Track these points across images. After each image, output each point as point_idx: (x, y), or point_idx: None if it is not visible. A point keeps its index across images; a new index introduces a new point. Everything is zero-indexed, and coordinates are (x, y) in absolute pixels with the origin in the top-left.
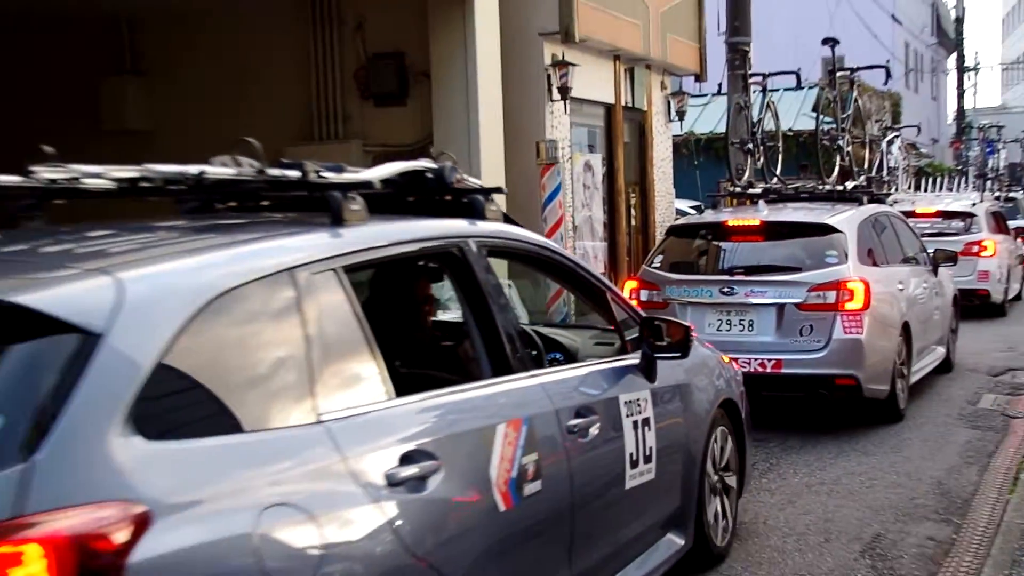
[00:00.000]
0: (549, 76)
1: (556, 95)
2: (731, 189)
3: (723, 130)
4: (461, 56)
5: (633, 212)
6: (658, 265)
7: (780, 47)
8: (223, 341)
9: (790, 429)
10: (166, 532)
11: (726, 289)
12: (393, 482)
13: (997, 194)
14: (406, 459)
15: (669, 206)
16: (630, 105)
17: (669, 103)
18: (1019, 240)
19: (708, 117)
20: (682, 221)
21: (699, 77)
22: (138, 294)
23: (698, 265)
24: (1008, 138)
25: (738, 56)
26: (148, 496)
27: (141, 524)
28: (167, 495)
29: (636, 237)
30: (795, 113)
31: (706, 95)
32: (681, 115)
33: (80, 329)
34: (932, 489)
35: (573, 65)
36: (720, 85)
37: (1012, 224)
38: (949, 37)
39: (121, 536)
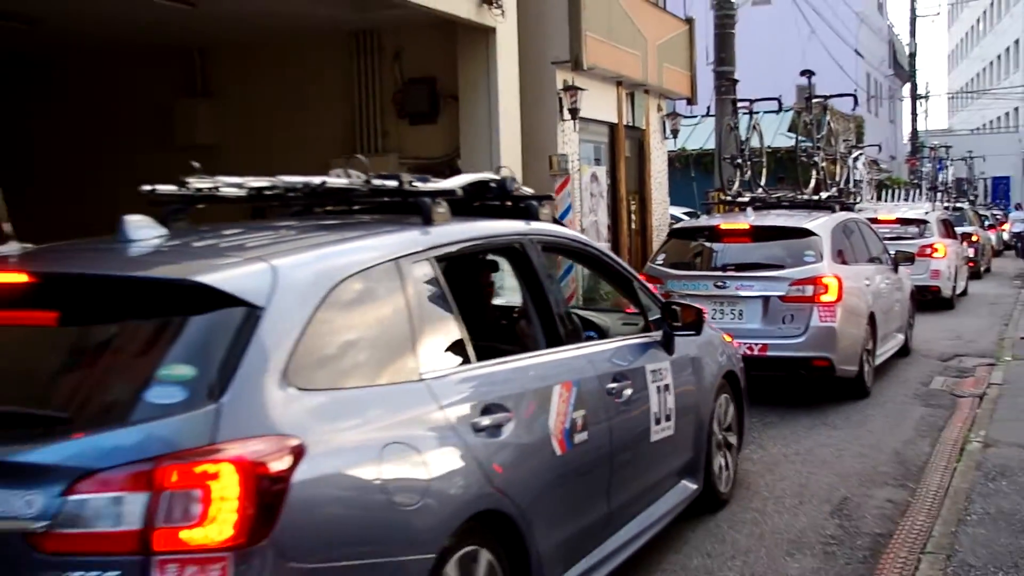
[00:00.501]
0: (561, 99)
1: (567, 115)
2: (723, 198)
3: (711, 147)
4: (485, 81)
5: (633, 217)
6: (661, 262)
7: (759, 76)
8: (349, 314)
9: (769, 407)
10: (315, 461)
11: (719, 283)
12: (477, 428)
13: (947, 204)
14: (486, 410)
15: (664, 212)
16: (631, 124)
17: (664, 123)
18: (965, 244)
19: (698, 135)
20: (681, 225)
21: (690, 100)
22: (288, 277)
23: (695, 263)
24: (955, 156)
25: (725, 83)
26: (303, 432)
27: (298, 454)
28: (315, 433)
29: (636, 239)
30: (774, 132)
31: (696, 116)
32: (675, 133)
33: (248, 304)
34: (891, 458)
35: (581, 90)
36: (708, 107)
37: (960, 230)
38: (904, 69)
39: (285, 461)
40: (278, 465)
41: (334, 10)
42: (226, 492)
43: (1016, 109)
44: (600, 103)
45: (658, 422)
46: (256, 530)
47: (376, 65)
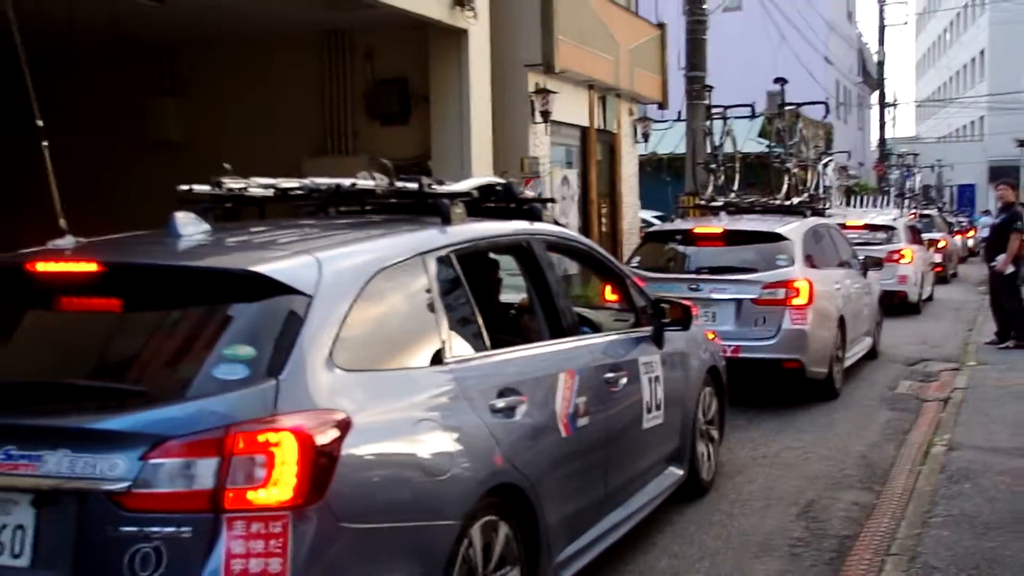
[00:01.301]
0: (532, 102)
1: (538, 118)
2: (697, 202)
3: (683, 151)
4: (456, 83)
5: (604, 220)
6: (636, 265)
7: (730, 81)
8: (383, 304)
9: (738, 410)
10: (359, 433)
11: (693, 286)
12: (494, 409)
13: (916, 211)
14: (501, 393)
15: (635, 216)
16: (602, 128)
17: (636, 127)
18: (932, 250)
19: (669, 139)
20: (656, 228)
21: (662, 105)
22: (331, 269)
23: (670, 265)
24: (922, 164)
25: (697, 88)
26: (348, 408)
27: (345, 427)
28: (358, 408)
29: (606, 242)
30: (744, 138)
31: (667, 121)
32: (646, 137)
33: (299, 292)
34: (857, 462)
35: (553, 93)
36: (680, 112)
37: (927, 236)
38: (873, 77)
39: (336, 433)
40: (330, 436)
41: (305, 9)
42: (286, 458)
43: (981, 118)
44: (572, 106)
45: (649, 411)
46: (312, 492)
47: (347, 65)
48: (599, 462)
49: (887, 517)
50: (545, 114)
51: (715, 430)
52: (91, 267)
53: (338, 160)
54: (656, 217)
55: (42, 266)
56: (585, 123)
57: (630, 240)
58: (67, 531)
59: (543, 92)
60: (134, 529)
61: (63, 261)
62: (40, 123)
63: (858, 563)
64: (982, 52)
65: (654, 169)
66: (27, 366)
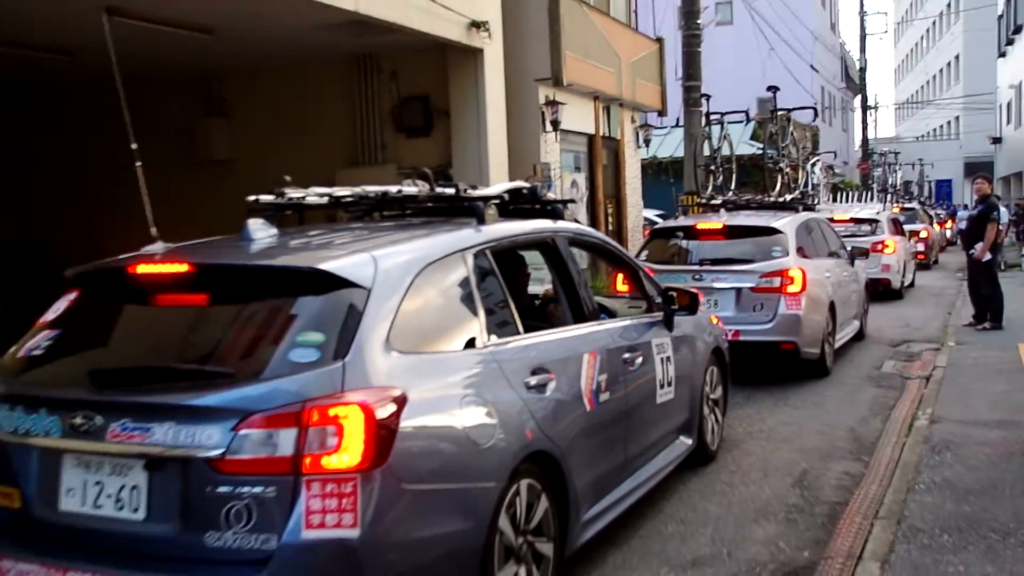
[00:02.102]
0: (543, 112)
1: (549, 127)
2: (698, 201)
3: (681, 154)
4: (474, 97)
5: (610, 219)
6: (644, 258)
7: (723, 89)
8: (430, 295)
9: (735, 389)
10: (414, 407)
11: (696, 276)
12: (528, 386)
13: (900, 204)
14: (534, 372)
15: (639, 215)
16: (607, 135)
17: (637, 133)
18: (914, 240)
19: (668, 144)
20: (662, 225)
21: (661, 113)
22: (385, 265)
23: (675, 258)
24: (903, 162)
25: (693, 97)
26: (403, 385)
27: (402, 401)
28: (412, 386)
29: (612, 239)
30: (737, 141)
31: (666, 127)
32: (647, 142)
33: (359, 286)
34: (847, 435)
35: (562, 104)
36: (678, 119)
37: (911, 227)
38: (855, 83)
39: (395, 406)
40: (389, 409)
41: (336, 36)
42: (354, 429)
43: (957, 118)
44: (579, 116)
45: (662, 387)
46: (376, 458)
47: (375, 85)
48: (619, 432)
49: (875, 485)
50: (555, 124)
51: (720, 404)
52: (183, 268)
53: (368, 170)
54: (658, 216)
55: (142, 268)
56: (591, 131)
57: (634, 237)
58: (173, 491)
59: (552, 104)
60: (228, 489)
61: (159, 263)
62: (134, 146)
63: (849, 526)
64: (957, 57)
65: (655, 172)
66: (133, 353)
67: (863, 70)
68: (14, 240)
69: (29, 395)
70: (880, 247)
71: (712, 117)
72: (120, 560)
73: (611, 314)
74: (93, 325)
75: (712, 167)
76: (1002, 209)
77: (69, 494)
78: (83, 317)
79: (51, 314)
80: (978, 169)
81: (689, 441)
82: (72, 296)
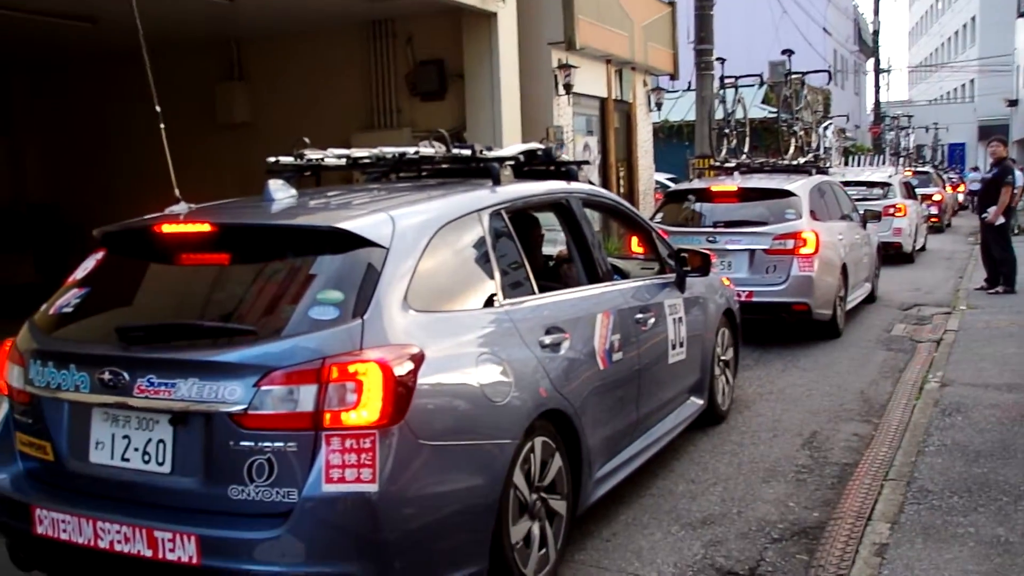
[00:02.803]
0: (556, 76)
1: (561, 91)
2: (712, 164)
3: (692, 118)
4: (487, 61)
5: (622, 183)
6: (659, 221)
7: (736, 52)
8: (447, 254)
9: (745, 351)
10: (431, 364)
11: (711, 238)
12: (543, 345)
13: (912, 168)
14: (548, 331)
15: (650, 178)
16: (619, 98)
17: (649, 97)
18: (927, 203)
19: (680, 108)
20: (676, 188)
21: (673, 76)
22: (403, 224)
23: (689, 220)
24: (917, 125)
25: (705, 60)
26: (420, 344)
27: (419, 359)
28: (429, 343)
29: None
30: (749, 105)
31: (678, 91)
32: (659, 106)
33: (378, 245)
34: (856, 397)
35: (574, 67)
36: (690, 83)
37: (924, 191)
38: (868, 46)
39: (412, 364)
40: (407, 367)
41: (354, 2)
42: (372, 385)
43: (972, 81)
44: (591, 79)
45: (674, 347)
46: (394, 414)
47: (390, 49)
48: (631, 392)
49: (885, 447)
50: (567, 87)
51: (730, 365)
52: (205, 228)
53: (384, 134)
54: (669, 179)
55: (167, 228)
56: (604, 94)
57: (646, 200)
58: (197, 445)
59: (565, 67)
60: (250, 444)
61: (183, 223)
62: (158, 108)
63: (858, 487)
64: (973, 18)
65: (667, 135)
66: (159, 310)
67: (876, 33)
68: (44, 204)
69: (60, 351)
70: (892, 211)
71: (726, 81)
72: (147, 511)
73: (624, 275)
74: (119, 283)
75: (726, 130)
76: (1017, 172)
77: (98, 447)
78: (110, 276)
79: (79, 273)
80: (993, 132)
81: (700, 401)
82: (99, 255)
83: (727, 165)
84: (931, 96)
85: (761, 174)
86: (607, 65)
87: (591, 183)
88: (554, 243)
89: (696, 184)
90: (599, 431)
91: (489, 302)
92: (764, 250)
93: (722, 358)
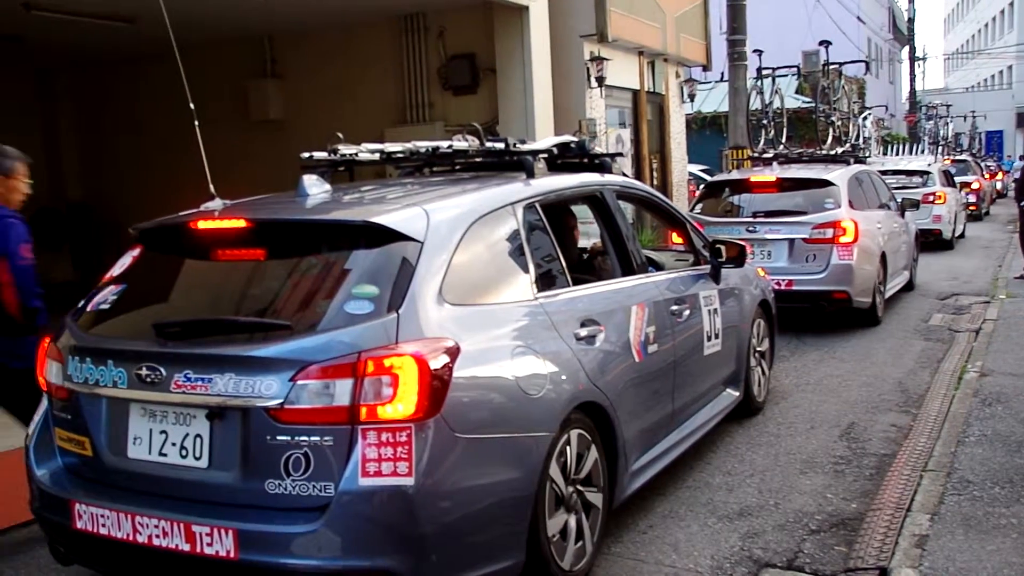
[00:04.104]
0: (588, 68)
1: (594, 83)
2: (750, 155)
3: (725, 109)
4: (519, 55)
5: (655, 175)
6: (699, 211)
7: (768, 43)
8: (481, 247)
9: (781, 343)
10: (467, 358)
11: (750, 228)
12: (578, 337)
13: (951, 157)
14: (583, 324)
15: (683, 170)
16: (651, 90)
17: (682, 88)
18: (965, 191)
19: (713, 99)
20: (715, 178)
21: (706, 67)
22: (437, 218)
23: (729, 210)
24: (955, 114)
25: (738, 51)
26: (455, 337)
27: (455, 352)
28: (465, 337)
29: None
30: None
31: (711, 82)
32: (691, 98)
33: (412, 239)
34: (894, 387)
35: (607, 60)
36: (722, 74)
37: (963, 179)
38: (903, 34)
39: (448, 357)
40: (442, 360)
41: None
42: (408, 379)
43: (1010, 67)
44: (623, 72)
45: (709, 339)
46: (430, 407)
47: (422, 44)
48: (667, 384)
49: (923, 437)
50: (600, 79)
51: (766, 356)
52: (240, 223)
53: (416, 128)
54: (702, 171)
55: (202, 224)
56: (636, 86)
57: (679, 191)
58: (234, 439)
59: (597, 60)
60: (287, 438)
61: (218, 219)
62: (192, 106)
63: (897, 478)
64: (1011, 4)
65: (700, 126)
66: (195, 306)
67: (911, 20)
68: (82, 202)
69: (97, 347)
70: (932, 198)
71: (764, 72)
72: (184, 506)
73: (659, 267)
74: (156, 280)
75: (764, 121)
76: None
77: (136, 442)
78: (146, 272)
79: (116, 270)
80: None
81: (736, 393)
82: (135, 252)
83: (765, 156)
84: (968, 83)
85: (799, 164)
86: (639, 57)
87: (624, 175)
88: (588, 236)
89: (735, 175)
90: (635, 423)
91: (524, 295)
92: (804, 239)
93: (758, 349)
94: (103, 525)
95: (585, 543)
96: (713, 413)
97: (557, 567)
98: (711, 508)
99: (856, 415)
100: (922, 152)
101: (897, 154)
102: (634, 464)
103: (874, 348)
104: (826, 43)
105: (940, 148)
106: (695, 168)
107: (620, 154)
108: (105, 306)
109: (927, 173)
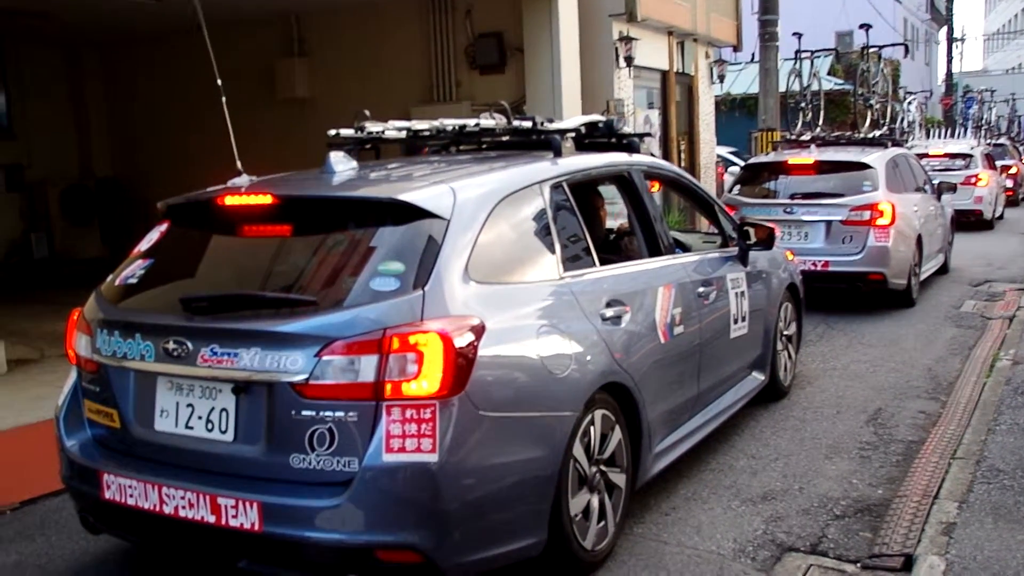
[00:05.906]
0: (617, 48)
1: (622, 63)
2: (787, 137)
3: (755, 91)
4: (547, 34)
5: (683, 156)
6: (737, 192)
7: (800, 23)
8: (508, 226)
9: (807, 327)
10: (492, 336)
11: (788, 210)
12: (604, 318)
13: (993, 141)
14: (609, 304)
15: (712, 152)
16: (680, 71)
17: (712, 69)
18: (1003, 174)
19: (743, 80)
20: (754, 160)
21: (736, 48)
22: (464, 196)
23: (766, 192)
24: (998, 98)
25: (769, 31)
26: (481, 315)
27: (480, 330)
28: (490, 315)
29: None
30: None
31: (741, 63)
32: (721, 79)
33: (438, 216)
34: (924, 374)
35: (635, 40)
36: (753, 55)
37: (1001, 162)
38: (941, 14)
39: (473, 335)
40: (467, 338)
41: None
42: (433, 356)
43: None
44: (652, 52)
45: (736, 322)
46: (454, 385)
47: (450, 22)
48: (692, 366)
49: (953, 425)
50: (628, 60)
51: (793, 341)
52: (268, 200)
53: (443, 107)
54: (731, 153)
55: (229, 200)
56: (665, 67)
57: (707, 173)
58: (259, 414)
59: (626, 39)
60: (312, 413)
61: (245, 195)
62: (220, 83)
63: (925, 465)
64: None
65: (729, 108)
66: (221, 281)
67: (950, 0)
68: (110, 178)
69: (126, 321)
70: (974, 180)
71: (802, 54)
72: (210, 478)
73: (686, 248)
74: (183, 255)
75: (802, 104)
76: None
77: (163, 415)
78: (174, 247)
79: (144, 244)
80: None
81: (762, 376)
82: (163, 227)
83: (802, 139)
84: (1008, 65)
85: (836, 147)
86: (669, 37)
87: (652, 155)
88: (615, 216)
89: (774, 157)
90: (659, 405)
91: (550, 274)
92: (841, 221)
93: (785, 333)
94: (131, 496)
95: (607, 523)
96: (738, 396)
97: (579, 546)
98: (735, 491)
99: (884, 401)
100: (965, 135)
101: (939, 138)
102: (658, 445)
103: (904, 334)
104: (866, 26)
105: (983, 132)
106: (723, 150)
107: (648, 134)
108: (133, 280)
109: (970, 156)
